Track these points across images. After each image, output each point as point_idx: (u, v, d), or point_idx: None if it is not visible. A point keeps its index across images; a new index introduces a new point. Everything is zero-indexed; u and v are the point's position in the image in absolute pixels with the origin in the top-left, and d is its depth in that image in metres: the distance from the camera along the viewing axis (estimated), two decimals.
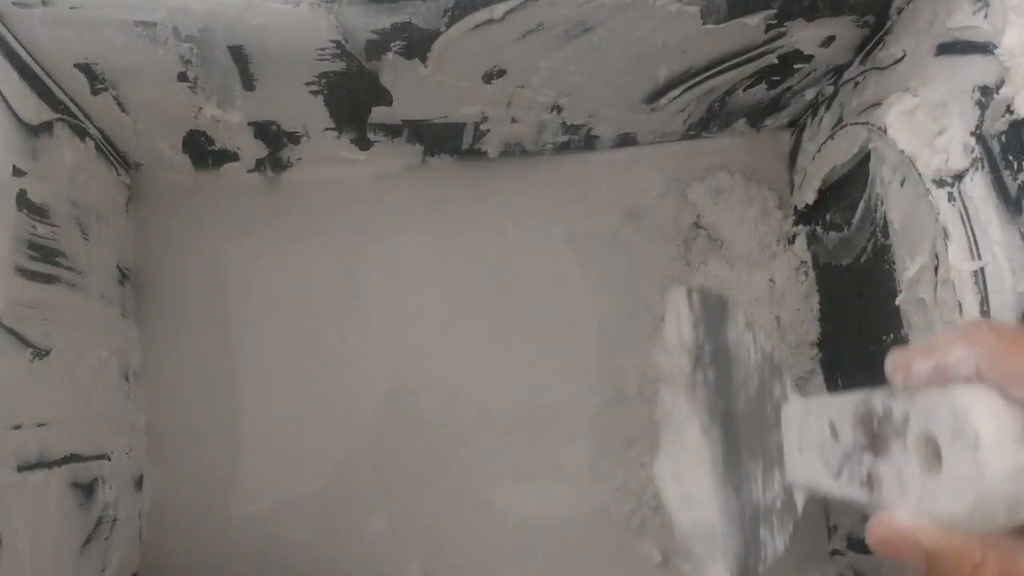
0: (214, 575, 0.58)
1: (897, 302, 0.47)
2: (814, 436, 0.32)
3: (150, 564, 0.57)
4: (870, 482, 0.28)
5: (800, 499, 0.36)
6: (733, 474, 0.41)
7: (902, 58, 0.47)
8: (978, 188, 0.40)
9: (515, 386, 0.61)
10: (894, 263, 0.48)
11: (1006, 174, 0.38)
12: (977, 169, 0.40)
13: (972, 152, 0.40)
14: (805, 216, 0.60)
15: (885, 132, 0.46)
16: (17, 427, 0.43)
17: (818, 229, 0.59)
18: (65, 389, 0.49)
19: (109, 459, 0.53)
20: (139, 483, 0.58)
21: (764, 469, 0.38)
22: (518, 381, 0.61)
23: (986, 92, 0.39)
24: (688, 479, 0.44)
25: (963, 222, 0.40)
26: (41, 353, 0.46)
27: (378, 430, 0.60)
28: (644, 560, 0.58)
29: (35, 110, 0.47)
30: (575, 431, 0.60)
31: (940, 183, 0.42)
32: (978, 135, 0.40)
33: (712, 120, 0.60)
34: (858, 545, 0.55)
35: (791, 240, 0.61)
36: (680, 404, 0.45)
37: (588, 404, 0.61)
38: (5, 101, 0.43)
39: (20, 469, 0.43)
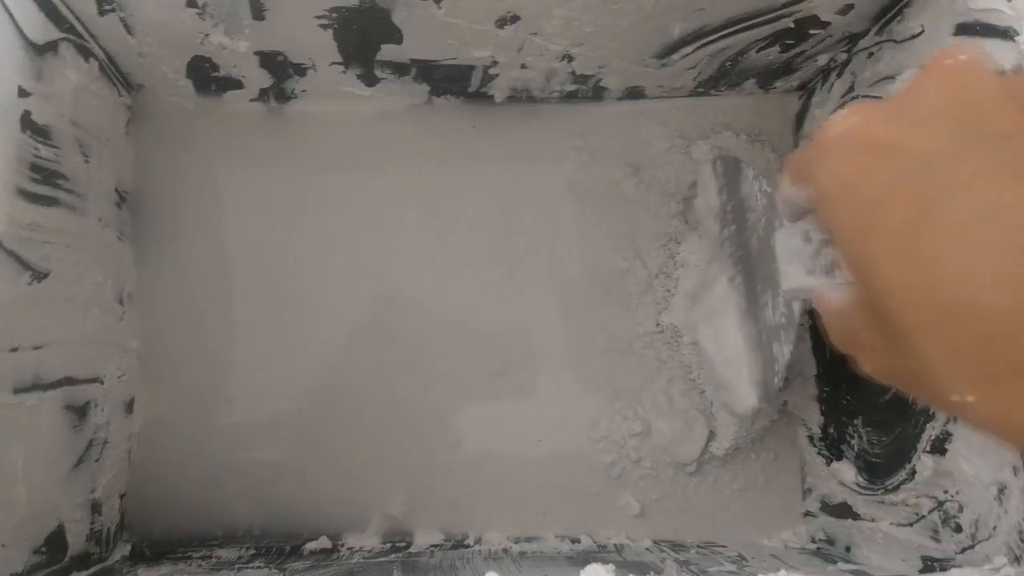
0: (202, 498, 0.58)
1: None
2: (795, 248, 0.38)
3: (138, 485, 0.58)
4: (833, 267, 0.35)
5: (796, 308, 0.46)
6: (752, 308, 0.50)
7: (919, 33, 0.46)
8: None
9: (506, 329, 0.62)
10: None
11: None
12: None
13: None
14: None
15: None
16: (14, 349, 0.44)
17: None
18: (62, 312, 0.49)
19: (102, 382, 0.54)
20: (130, 406, 0.58)
21: (772, 294, 0.47)
22: (509, 325, 0.62)
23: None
24: (718, 322, 0.53)
25: None
26: (40, 276, 0.46)
27: (368, 361, 0.61)
28: (622, 509, 0.60)
29: (42, 29, 0.46)
30: (562, 379, 0.61)
31: None
32: None
33: (722, 79, 0.60)
34: (831, 509, 0.57)
35: None
36: (712, 263, 0.54)
37: (576, 353, 0.61)
38: (13, 20, 0.43)
39: (16, 391, 0.44)
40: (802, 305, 0.45)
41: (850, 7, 0.50)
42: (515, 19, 0.51)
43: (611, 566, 0.34)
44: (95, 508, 0.52)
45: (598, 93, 0.62)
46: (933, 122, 0.28)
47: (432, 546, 0.58)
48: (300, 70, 0.57)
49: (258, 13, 0.50)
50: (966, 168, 0.25)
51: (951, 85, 0.29)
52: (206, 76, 0.58)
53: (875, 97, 0.50)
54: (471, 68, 0.57)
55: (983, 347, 0.24)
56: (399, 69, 0.57)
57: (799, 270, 0.38)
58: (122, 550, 0.56)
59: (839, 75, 0.56)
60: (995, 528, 0.41)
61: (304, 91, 0.60)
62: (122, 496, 0.57)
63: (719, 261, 0.52)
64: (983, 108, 0.27)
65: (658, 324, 0.61)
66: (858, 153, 0.29)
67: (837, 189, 0.29)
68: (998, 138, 0.26)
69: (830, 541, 0.57)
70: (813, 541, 0.59)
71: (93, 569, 0.52)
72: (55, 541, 0.47)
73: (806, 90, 0.61)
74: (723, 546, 0.58)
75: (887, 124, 0.29)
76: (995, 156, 0.25)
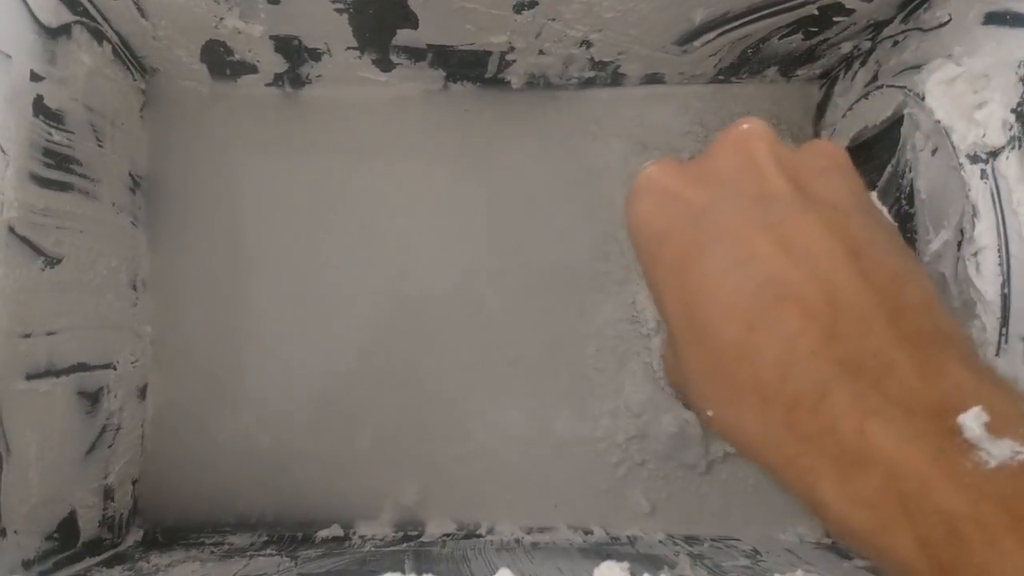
0: (214, 484, 0.58)
1: None
2: None
3: (151, 472, 0.58)
4: None
5: None
6: None
7: (947, 22, 0.45)
8: (1013, 168, 0.39)
9: (520, 318, 0.61)
10: (916, 233, 0.47)
11: None
12: (1014, 148, 0.39)
13: (1011, 130, 0.39)
14: None
15: (922, 99, 0.45)
16: (27, 335, 0.43)
17: None
18: (75, 298, 0.49)
19: (115, 368, 0.54)
20: (143, 392, 0.58)
21: None
22: (523, 314, 0.61)
23: None
24: None
25: (993, 201, 0.40)
26: (53, 262, 0.46)
27: (382, 349, 0.60)
28: (632, 507, 0.59)
29: (55, 12, 0.45)
30: (574, 371, 0.61)
31: (974, 158, 0.41)
32: (1018, 113, 0.39)
33: (743, 66, 0.59)
34: None
35: None
36: None
37: (588, 345, 0.61)
38: (25, 2, 0.42)
39: (29, 377, 0.44)
40: None
41: None
42: (533, 4, 0.50)
43: (625, 564, 0.33)
44: (108, 494, 0.52)
45: (617, 79, 0.61)
46: (716, 181, 0.33)
47: (444, 535, 0.58)
48: (315, 55, 0.57)
49: None
50: (731, 223, 0.30)
51: (737, 151, 0.33)
52: (221, 60, 0.57)
53: (900, 87, 0.49)
54: (488, 54, 0.56)
55: (719, 370, 0.29)
56: (415, 54, 0.57)
57: None
58: (134, 536, 0.57)
59: (863, 64, 0.55)
60: None
61: (319, 76, 0.60)
62: (135, 482, 0.57)
63: None
64: (757, 173, 0.32)
65: (634, 315, 0.61)
66: (653, 197, 0.34)
67: (636, 224, 0.34)
68: (762, 199, 0.30)
69: None
70: (828, 536, 0.58)
71: (105, 555, 0.52)
72: (68, 527, 0.47)
73: (828, 79, 0.60)
74: (737, 540, 0.58)
75: (680, 178, 0.33)
76: (753, 215, 0.30)
